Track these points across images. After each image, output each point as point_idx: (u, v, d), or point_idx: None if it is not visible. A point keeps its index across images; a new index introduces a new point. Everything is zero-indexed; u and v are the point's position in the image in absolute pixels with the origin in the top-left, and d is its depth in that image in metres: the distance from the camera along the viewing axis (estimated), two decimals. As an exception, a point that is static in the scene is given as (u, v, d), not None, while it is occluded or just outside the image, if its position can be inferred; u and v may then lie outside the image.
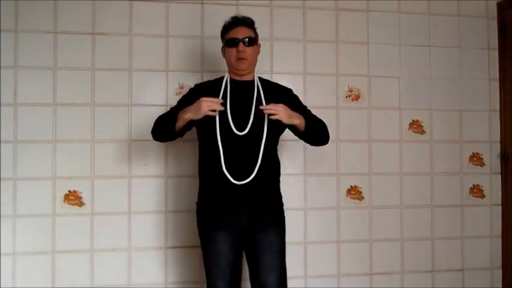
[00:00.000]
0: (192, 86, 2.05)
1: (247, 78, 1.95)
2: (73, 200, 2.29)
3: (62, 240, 2.27)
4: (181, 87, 2.40)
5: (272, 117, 1.78)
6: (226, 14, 2.43)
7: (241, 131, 1.83)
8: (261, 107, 1.81)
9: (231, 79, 1.95)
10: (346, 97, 2.56)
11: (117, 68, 2.35)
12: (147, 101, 2.38)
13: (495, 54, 2.71)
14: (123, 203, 2.33)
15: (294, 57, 2.49)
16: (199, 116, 1.76)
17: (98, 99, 2.33)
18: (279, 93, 1.95)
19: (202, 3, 2.44)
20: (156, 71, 2.39)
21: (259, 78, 1.98)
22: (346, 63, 2.56)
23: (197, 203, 1.98)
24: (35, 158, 2.26)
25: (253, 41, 1.91)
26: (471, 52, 2.69)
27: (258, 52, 1.97)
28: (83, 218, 2.30)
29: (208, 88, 1.93)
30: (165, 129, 1.89)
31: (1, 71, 2.25)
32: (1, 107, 2.24)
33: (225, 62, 1.97)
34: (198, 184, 1.98)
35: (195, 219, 1.96)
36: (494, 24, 2.72)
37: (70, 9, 2.32)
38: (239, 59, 1.88)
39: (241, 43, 1.87)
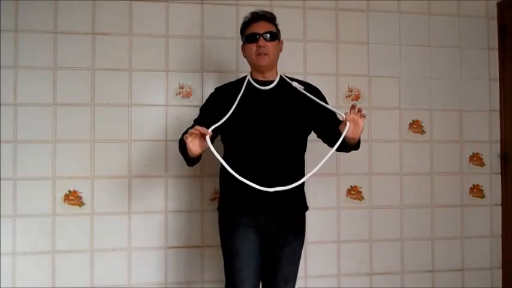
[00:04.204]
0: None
1: (270, 77, 1.85)
2: (73, 200, 2.29)
3: (62, 240, 2.27)
4: (181, 87, 2.40)
5: (348, 129, 1.63)
6: (226, 14, 2.45)
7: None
8: (346, 119, 1.64)
9: (253, 79, 1.86)
10: (346, 97, 2.56)
11: (117, 68, 2.35)
12: (147, 101, 2.38)
13: (495, 54, 2.71)
14: (123, 203, 2.33)
15: (294, 57, 2.49)
16: (199, 152, 1.60)
17: (98, 99, 2.33)
18: (306, 93, 1.84)
19: (202, 3, 2.43)
20: (156, 71, 2.39)
21: (282, 77, 1.88)
22: (346, 63, 2.56)
23: (219, 208, 1.89)
24: (35, 158, 2.26)
25: (274, 36, 1.80)
26: (471, 52, 2.69)
27: (280, 49, 1.86)
28: (83, 218, 2.29)
29: (228, 91, 1.84)
30: (183, 156, 1.73)
31: (1, 71, 2.25)
32: (1, 107, 2.24)
33: (246, 61, 1.89)
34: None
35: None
36: (494, 24, 2.72)
37: (70, 9, 2.32)
38: (259, 54, 1.77)
39: (261, 38, 1.76)
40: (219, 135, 1.87)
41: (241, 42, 1.89)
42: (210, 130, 1.58)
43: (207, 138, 1.56)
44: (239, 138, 1.80)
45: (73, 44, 2.32)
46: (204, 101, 1.95)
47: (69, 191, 2.29)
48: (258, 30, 1.78)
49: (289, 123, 1.80)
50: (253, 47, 1.78)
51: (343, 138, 1.66)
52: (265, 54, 1.77)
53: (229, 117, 1.72)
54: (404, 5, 2.63)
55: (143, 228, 2.35)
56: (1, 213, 2.22)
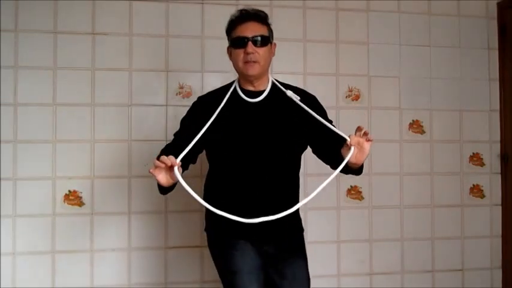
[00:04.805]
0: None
1: (260, 86, 1.62)
2: (73, 200, 2.29)
3: (62, 240, 2.27)
4: (181, 87, 2.40)
5: (352, 154, 1.45)
6: (226, 14, 2.43)
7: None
8: (351, 142, 1.44)
9: (241, 88, 1.63)
10: (346, 97, 2.56)
11: (117, 68, 2.35)
12: (147, 101, 2.38)
13: (495, 54, 2.71)
14: (123, 203, 2.33)
15: (294, 57, 2.49)
16: (170, 183, 1.41)
17: (98, 99, 2.33)
18: (304, 105, 1.61)
19: (202, 3, 2.43)
20: (156, 71, 2.39)
21: (275, 84, 1.65)
22: (346, 63, 2.56)
23: (207, 230, 1.71)
24: (35, 158, 2.26)
25: (266, 41, 1.55)
26: (471, 52, 2.69)
27: (272, 54, 1.63)
28: (83, 218, 2.30)
29: (212, 103, 1.59)
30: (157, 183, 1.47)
31: (1, 71, 2.25)
32: (1, 107, 2.24)
33: (232, 65, 1.66)
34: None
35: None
36: (494, 24, 2.72)
37: (70, 9, 2.32)
38: (247, 62, 1.54)
39: (250, 43, 1.52)
40: (204, 151, 1.69)
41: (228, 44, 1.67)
42: (178, 160, 1.37)
43: (176, 170, 1.35)
44: (225, 159, 1.59)
45: (73, 44, 2.32)
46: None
47: (69, 191, 2.29)
48: (247, 34, 1.53)
49: (282, 140, 1.60)
50: (240, 52, 1.54)
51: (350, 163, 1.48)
52: (255, 62, 1.54)
53: (214, 134, 1.54)
54: (404, 5, 2.63)
55: (143, 228, 2.35)
56: (1, 213, 2.22)
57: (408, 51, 2.62)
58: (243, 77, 1.63)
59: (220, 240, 1.64)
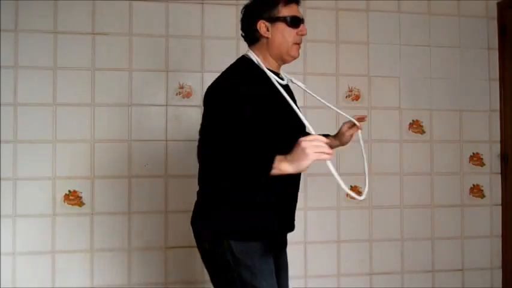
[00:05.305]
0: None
1: (279, 69, 1.59)
2: (73, 200, 2.29)
3: (62, 240, 2.27)
4: (181, 87, 2.40)
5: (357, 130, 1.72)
6: (226, 14, 2.44)
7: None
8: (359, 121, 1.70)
9: (267, 69, 1.50)
10: (346, 97, 2.56)
11: (117, 68, 2.35)
12: (147, 101, 2.38)
13: (495, 54, 2.71)
14: (123, 203, 2.33)
15: (294, 57, 2.49)
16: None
17: (98, 99, 2.33)
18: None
19: (202, 3, 2.43)
20: (156, 71, 2.39)
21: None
22: (346, 63, 2.56)
23: (229, 238, 1.45)
24: (35, 158, 2.26)
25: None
26: (471, 52, 2.69)
27: None
28: (83, 218, 2.30)
29: (254, 89, 1.41)
30: (249, 176, 1.32)
31: (1, 71, 2.25)
32: (1, 107, 2.24)
33: (261, 47, 1.51)
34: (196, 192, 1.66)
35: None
36: (494, 24, 2.72)
37: (70, 9, 2.32)
38: (297, 43, 1.49)
39: (303, 25, 1.48)
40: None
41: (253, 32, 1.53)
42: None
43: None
44: (274, 144, 1.38)
45: (73, 44, 2.32)
46: (223, 106, 1.42)
47: (69, 191, 2.29)
48: (299, 15, 1.48)
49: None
50: (294, 32, 1.46)
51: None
52: (300, 44, 1.52)
53: (262, 119, 1.38)
54: (404, 5, 2.63)
55: (143, 228, 2.35)
56: (1, 213, 2.22)
57: (408, 51, 2.63)
58: (278, 58, 1.51)
59: (251, 253, 1.44)
